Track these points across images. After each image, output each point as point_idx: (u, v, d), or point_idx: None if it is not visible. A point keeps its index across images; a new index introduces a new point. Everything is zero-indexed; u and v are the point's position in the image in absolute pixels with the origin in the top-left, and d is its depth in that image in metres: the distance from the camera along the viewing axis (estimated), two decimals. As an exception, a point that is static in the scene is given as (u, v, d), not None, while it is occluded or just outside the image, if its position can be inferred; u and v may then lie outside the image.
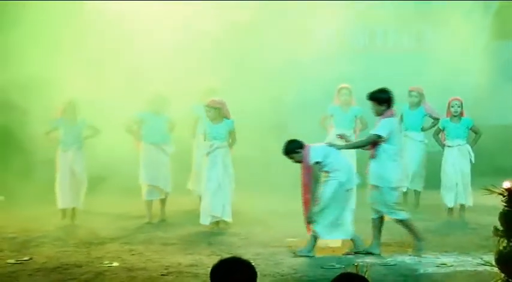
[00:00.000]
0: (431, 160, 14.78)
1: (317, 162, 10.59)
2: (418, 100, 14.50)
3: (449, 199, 13.83)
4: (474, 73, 17.01)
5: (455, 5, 18.49)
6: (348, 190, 10.76)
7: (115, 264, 10.01)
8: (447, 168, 14.04)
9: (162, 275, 9.42)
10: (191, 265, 9.84)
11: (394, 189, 10.67)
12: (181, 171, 14.21)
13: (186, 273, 9.46)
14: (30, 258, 10.31)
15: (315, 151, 10.73)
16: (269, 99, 15.98)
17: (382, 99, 10.79)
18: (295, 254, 10.48)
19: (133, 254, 10.61)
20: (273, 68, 16.87)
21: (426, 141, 14.72)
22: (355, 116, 14.58)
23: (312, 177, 10.65)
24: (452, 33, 18.84)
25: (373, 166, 10.71)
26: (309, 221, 10.62)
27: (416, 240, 10.56)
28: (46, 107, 14.03)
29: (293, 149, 10.85)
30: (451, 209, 13.80)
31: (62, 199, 13.33)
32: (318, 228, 10.55)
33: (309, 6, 18.04)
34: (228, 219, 12.78)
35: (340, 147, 11.01)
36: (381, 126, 10.63)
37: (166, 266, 9.84)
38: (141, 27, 16.09)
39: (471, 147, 13.88)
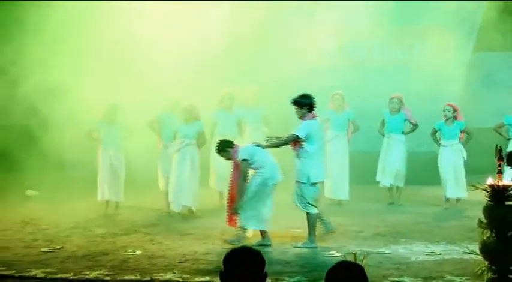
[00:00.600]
0: (420, 159, 15.34)
1: (244, 160, 10.92)
2: (398, 106, 14.72)
3: (448, 191, 14.18)
4: (458, 82, 17.21)
5: (443, 22, 18.56)
6: (271, 185, 11.01)
7: (138, 252, 10.10)
8: (444, 164, 14.30)
9: (179, 262, 9.44)
10: (206, 253, 9.91)
11: (312, 184, 10.86)
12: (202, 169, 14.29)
13: (201, 260, 9.51)
14: (62, 247, 10.40)
15: (242, 150, 11.11)
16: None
17: (303, 103, 11.04)
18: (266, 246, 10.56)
19: (154, 244, 10.69)
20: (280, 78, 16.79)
21: (407, 143, 15.03)
22: (348, 119, 14.89)
23: (240, 175, 11.02)
24: (439, 47, 18.97)
25: (296, 164, 10.95)
26: (234, 212, 10.92)
27: (310, 235, 10.74)
28: (71, 110, 14.09)
29: (223, 147, 11.28)
30: (448, 199, 14.14)
31: (102, 192, 13.77)
32: (242, 218, 10.85)
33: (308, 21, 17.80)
34: (194, 208, 13.52)
35: (264, 146, 11.25)
36: (300, 127, 10.88)
37: (184, 254, 9.89)
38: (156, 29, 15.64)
39: (464, 146, 14.18)
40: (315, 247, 10.62)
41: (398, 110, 14.84)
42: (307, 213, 10.86)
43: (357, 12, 17.71)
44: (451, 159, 14.32)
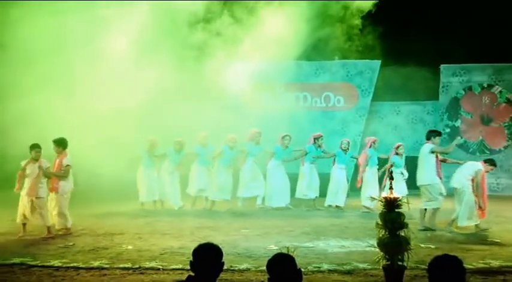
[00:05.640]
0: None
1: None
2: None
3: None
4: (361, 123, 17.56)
5: (349, 79, 18.75)
6: None
7: (130, 247, 9.99)
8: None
9: (160, 254, 9.36)
10: (180, 248, 9.81)
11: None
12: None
13: (176, 253, 9.42)
14: (73, 244, 10.31)
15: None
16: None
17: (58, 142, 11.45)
18: None
19: (141, 241, 10.58)
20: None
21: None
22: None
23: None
24: (347, 98, 19.27)
25: None
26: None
27: None
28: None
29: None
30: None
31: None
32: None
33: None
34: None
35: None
36: None
37: (164, 248, 9.80)
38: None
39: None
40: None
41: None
42: None
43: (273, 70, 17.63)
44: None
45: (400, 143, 15.17)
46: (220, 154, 14.93)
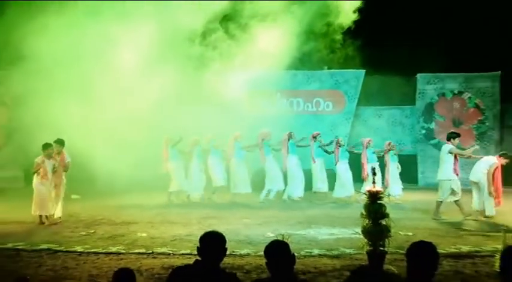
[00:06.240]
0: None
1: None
2: None
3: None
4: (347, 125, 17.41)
5: (337, 86, 18.67)
6: None
7: (143, 234, 9.99)
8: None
9: (171, 240, 9.37)
10: (188, 235, 9.81)
11: None
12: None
13: (185, 240, 9.43)
14: (94, 232, 10.32)
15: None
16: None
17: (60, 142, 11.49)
18: None
19: (154, 229, 10.58)
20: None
21: None
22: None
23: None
24: (336, 103, 19.20)
25: None
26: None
27: None
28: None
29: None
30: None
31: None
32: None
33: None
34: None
35: None
36: None
37: (173, 236, 9.81)
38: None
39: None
40: None
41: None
42: None
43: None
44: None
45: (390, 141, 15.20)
46: (233, 149, 14.80)
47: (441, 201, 12.06)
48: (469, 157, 12.45)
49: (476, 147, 12.85)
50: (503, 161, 12.00)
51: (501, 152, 12.63)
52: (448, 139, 12.20)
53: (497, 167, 11.83)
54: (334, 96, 19.29)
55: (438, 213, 12.02)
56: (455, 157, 12.03)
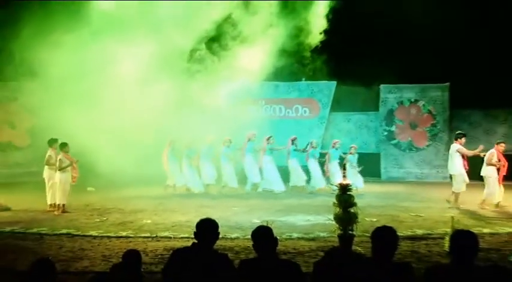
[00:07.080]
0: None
1: None
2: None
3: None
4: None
5: (311, 95, 18.54)
6: None
7: (149, 221, 9.93)
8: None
9: (172, 226, 9.31)
10: (186, 221, 9.73)
11: None
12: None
13: (184, 225, 9.37)
14: (106, 219, 10.27)
15: None
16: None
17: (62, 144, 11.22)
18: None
19: (157, 216, 10.51)
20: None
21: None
22: None
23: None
24: (310, 111, 19.08)
25: None
26: None
27: None
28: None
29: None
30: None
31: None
32: None
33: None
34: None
35: None
36: None
37: (174, 222, 9.76)
38: None
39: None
40: None
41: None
42: None
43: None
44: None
45: (353, 145, 15.30)
46: (244, 148, 14.72)
47: (458, 193, 11.80)
48: (478, 155, 11.92)
49: (481, 147, 12.14)
50: (501, 147, 11.82)
51: (498, 141, 12.36)
52: (456, 139, 11.97)
53: (495, 155, 11.71)
54: (311, 104, 19.30)
55: (457, 203, 11.75)
56: (462, 155, 11.84)
